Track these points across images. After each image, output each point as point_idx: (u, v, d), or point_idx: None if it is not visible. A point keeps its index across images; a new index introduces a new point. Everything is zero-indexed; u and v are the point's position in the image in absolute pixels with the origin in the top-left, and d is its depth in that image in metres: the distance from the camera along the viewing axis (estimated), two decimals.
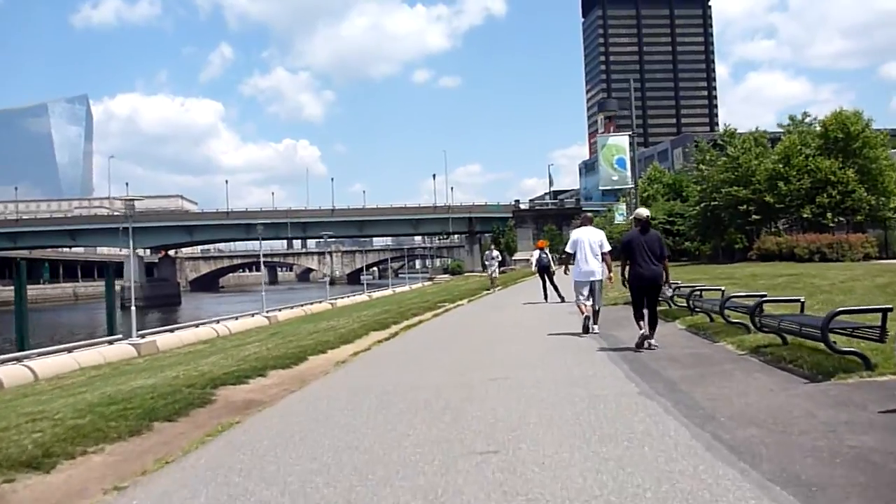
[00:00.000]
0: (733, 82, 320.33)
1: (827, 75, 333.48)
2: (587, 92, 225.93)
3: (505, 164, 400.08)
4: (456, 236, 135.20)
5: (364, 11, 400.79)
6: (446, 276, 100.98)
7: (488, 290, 30.41)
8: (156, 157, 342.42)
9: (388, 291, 61.34)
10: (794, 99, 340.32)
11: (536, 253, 24.10)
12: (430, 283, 79.69)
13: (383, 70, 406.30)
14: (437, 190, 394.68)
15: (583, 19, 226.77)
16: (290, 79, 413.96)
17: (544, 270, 23.07)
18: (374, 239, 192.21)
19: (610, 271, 12.62)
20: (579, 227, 13.10)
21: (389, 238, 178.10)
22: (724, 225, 37.30)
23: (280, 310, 37.74)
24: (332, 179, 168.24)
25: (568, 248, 12.97)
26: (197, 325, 27.54)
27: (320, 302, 48.37)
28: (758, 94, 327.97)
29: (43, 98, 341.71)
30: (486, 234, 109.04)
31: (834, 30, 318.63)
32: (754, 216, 35.39)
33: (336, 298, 51.24)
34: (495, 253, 33.34)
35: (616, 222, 60.21)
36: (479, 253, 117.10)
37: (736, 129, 38.56)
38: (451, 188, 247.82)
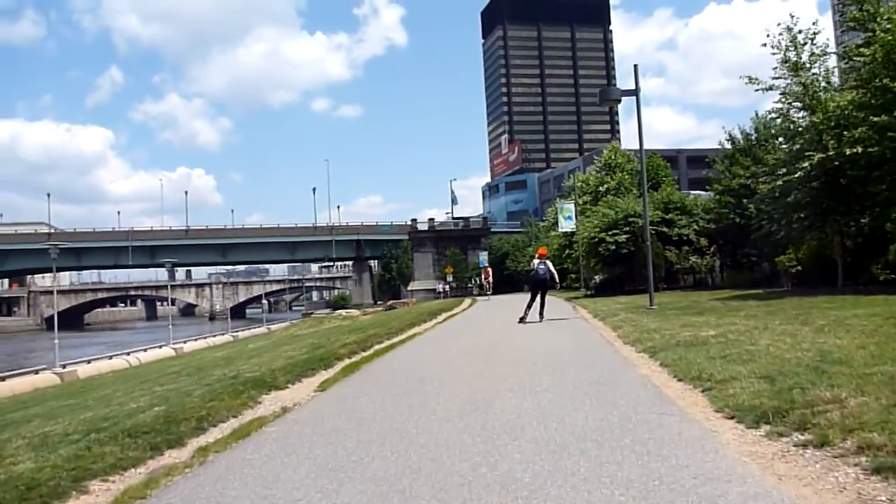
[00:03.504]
0: (626, 117, 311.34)
1: (711, 111, 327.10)
2: (488, 115, 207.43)
3: (406, 194, 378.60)
4: (350, 263, 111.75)
5: (262, 37, 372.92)
6: (326, 311, 77.73)
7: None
8: (39, 185, 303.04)
9: (203, 343, 38.57)
10: (681, 133, 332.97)
11: (535, 262, 18.20)
12: (304, 319, 57.18)
13: (282, 98, 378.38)
14: (322, 208, 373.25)
15: (483, 40, 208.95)
16: (183, 105, 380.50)
17: (539, 286, 17.43)
18: (273, 268, 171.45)
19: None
20: None
21: (286, 266, 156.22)
22: (857, 204, 15.92)
23: None
24: (186, 193, 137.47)
25: None
26: None
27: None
28: (649, 129, 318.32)
29: None
30: (378, 260, 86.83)
31: (717, 69, 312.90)
32: None
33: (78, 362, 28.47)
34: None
35: (562, 229, 39.03)
36: (370, 282, 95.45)
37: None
38: (338, 206, 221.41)
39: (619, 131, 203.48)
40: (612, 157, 44.78)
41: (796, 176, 15.90)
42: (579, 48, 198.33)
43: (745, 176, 23.80)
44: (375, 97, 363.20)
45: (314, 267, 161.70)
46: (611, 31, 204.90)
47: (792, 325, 10.50)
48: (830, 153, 15.41)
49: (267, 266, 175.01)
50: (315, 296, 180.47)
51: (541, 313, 17.00)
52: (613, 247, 27.35)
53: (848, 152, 14.87)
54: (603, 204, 32.30)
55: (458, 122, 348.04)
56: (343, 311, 48.75)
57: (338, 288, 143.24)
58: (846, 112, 15.71)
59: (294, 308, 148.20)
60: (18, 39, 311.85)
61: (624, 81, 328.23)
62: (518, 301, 32.88)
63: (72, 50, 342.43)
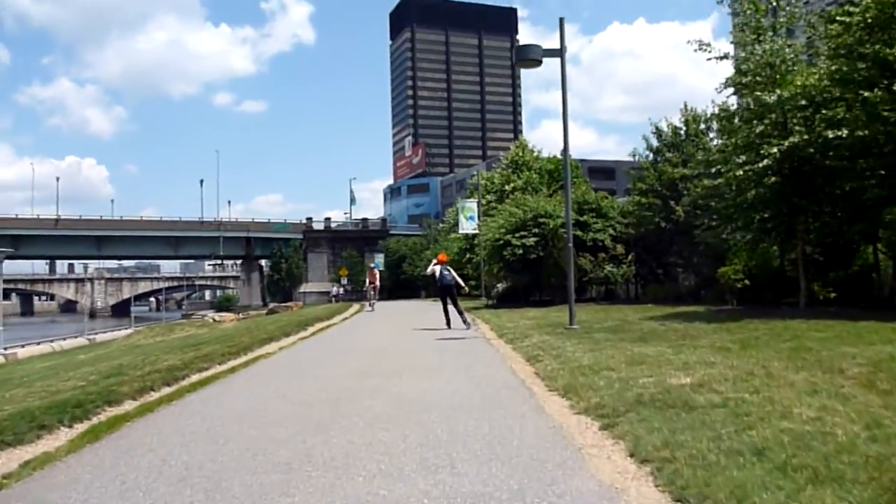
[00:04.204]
0: (529, 128, 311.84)
1: (611, 127, 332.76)
2: (393, 117, 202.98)
3: (308, 194, 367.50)
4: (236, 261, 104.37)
5: (163, 25, 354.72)
6: (205, 312, 71.40)
7: None
8: None
9: (46, 348, 32.51)
10: (583, 147, 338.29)
11: (436, 268, 17.43)
12: (165, 323, 50.84)
13: (182, 89, 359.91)
14: (210, 203, 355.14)
15: (391, 42, 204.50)
16: (75, 91, 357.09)
17: (447, 291, 17.05)
18: (164, 264, 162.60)
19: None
20: None
21: (179, 263, 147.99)
22: (827, 205, 12.28)
23: None
24: (58, 179, 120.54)
25: None
26: None
27: None
28: (550, 141, 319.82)
29: None
30: (268, 259, 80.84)
31: (618, 86, 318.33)
32: None
33: None
34: None
35: (463, 231, 35.05)
36: (259, 283, 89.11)
37: None
38: (229, 202, 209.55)
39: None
40: (520, 154, 40.88)
41: (762, 165, 12.33)
42: (486, 55, 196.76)
43: (675, 174, 20.48)
44: (280, 94, 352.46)
45: (208, 267, 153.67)
46: (518, 41, 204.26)
47: (810, 372, 6.72)
48: (804, 137, 11.96)
49: (158, 263, 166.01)
50: (208, 295, 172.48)
51: (449, 321, 16.66)
52: (521, 251, 23.42)
53: (831, 135, 11.42)
54: (510, 202, 28.44)
55: (363, 123, 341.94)
56: (217, 315, 43.27)
57: (230, 288, 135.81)
58: (821, 87, 12.36)
59: (184, 307, 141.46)
60: None
61: (529, 94, 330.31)
62: (408, 310, 28.61)
63: None
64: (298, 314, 29.02)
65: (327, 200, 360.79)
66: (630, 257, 23.73)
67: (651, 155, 22.76)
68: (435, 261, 18.10)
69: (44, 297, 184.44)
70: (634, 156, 22.73)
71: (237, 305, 77.36)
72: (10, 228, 74.78)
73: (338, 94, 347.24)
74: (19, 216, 76.80)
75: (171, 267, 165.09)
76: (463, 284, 18.00)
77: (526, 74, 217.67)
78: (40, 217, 77.39)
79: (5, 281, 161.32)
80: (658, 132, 22.51)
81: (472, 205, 33.91)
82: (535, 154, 40.76)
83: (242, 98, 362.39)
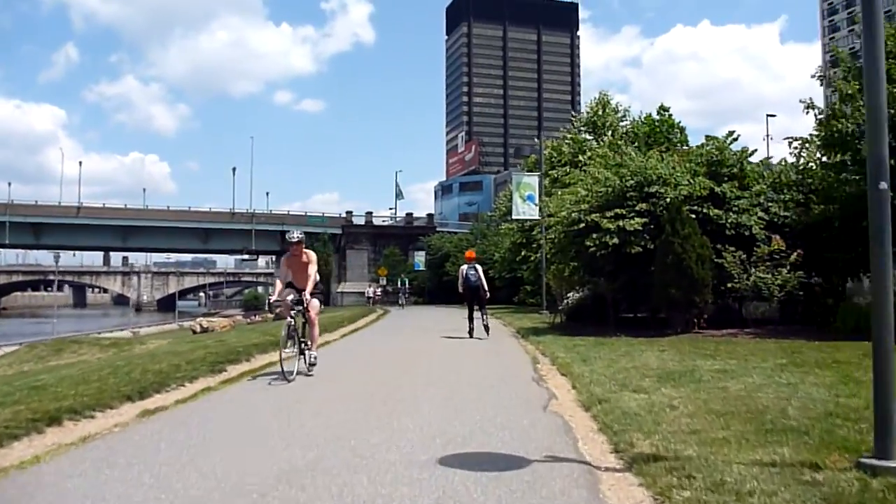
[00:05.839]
0: None
1: None
2: (448, 114, 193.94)
3: (365, 194, 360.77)
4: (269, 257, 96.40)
5: (226, 25, 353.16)
6: (232, 312, 63.43)
7: None
8: None
9: None
10: None
11: (463, 268, 15.25)
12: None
13: (243, 88, 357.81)
14: (243, 193, 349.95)
15: (447, 37, 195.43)
16: (140, 88, 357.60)
17: (474, 293, 14.81)
18: (218, 259, 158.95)
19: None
20: None
21: (233, 259, 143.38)
22: None
23: None
24: (81, 163, 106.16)
25: None
26: None
27: None
28: None
29: None
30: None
31: (680, 90, 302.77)
32: None
33: None
34: None
35: (518, 216, 25.44)
36: None
37: None
38: (267, 193, 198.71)
39: None
40: (599, 113, 30.17)
41: None
42: (545, 51, 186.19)
43: None
44: (339, 93, 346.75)
45: (261, 261, 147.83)
46: (578, 37, 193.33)
47: None
48: None
49: (214, 258, 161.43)
50: (261, 290, 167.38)
51: (472, 330, 14.50)
52: (615, 240, 14.00)
53: None
54: (596, 163, 18.22)
55: (420, 122, 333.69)
56: (209, 320, 34.66)
57: (273, 284, 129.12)
58: None
59: (234, 301, 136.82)
60: None
61: (588, 95, 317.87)
62: (433, 323, 19.65)
63: (26, 24, 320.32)
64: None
65: (383, 200, 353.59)
66: (793, 257, 14.06)
67: (845, 80, 12.94)
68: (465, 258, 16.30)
69: (97, 290, 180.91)
70: (827, 79, 12.89)
71: (263, 305, 69.50)
72: (29, 216, 68.24)
73: (395, 93, 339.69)
74: (39, 202, 69.99)
75: (226, 262, 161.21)
76: (486, 289, 15.04)
77: (586, 74, 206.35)
78: (62, 205, 70.50)
79: (54, 273, 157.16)
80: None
81: (531, 180, 23.98)
82: (621, 112, 30.33)
83: (302, 97, 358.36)
